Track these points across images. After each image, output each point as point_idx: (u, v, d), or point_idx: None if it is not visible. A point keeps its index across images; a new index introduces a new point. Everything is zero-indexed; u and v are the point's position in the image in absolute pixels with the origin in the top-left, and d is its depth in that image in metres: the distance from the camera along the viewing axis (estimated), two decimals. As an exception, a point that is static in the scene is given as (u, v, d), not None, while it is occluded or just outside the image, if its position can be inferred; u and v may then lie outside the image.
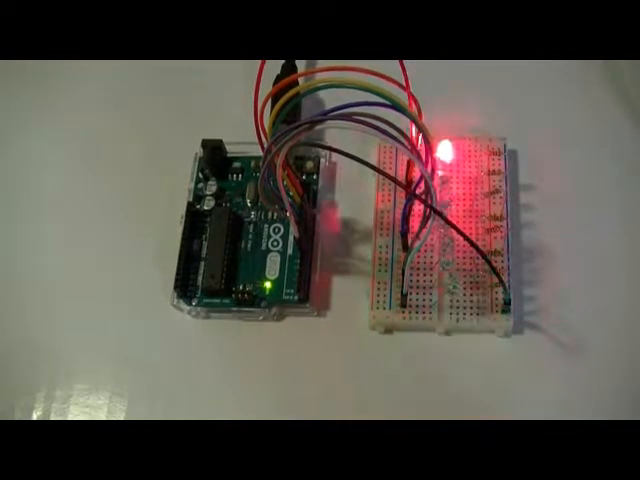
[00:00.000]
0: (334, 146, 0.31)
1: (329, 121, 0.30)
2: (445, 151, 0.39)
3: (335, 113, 0.30)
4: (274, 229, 0.39)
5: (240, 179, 0.40)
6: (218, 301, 0.38)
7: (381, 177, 0.39)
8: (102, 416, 0.37)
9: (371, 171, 0.32)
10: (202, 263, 0.38)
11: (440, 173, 0.38)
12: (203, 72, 0.44)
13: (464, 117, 0.40)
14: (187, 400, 0.37)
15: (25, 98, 0.45)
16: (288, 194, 0.35)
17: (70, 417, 0.37)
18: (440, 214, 0.31)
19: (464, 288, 0.36)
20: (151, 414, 0.37)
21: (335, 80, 0.30)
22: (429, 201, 0.31)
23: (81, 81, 0.45)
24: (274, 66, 0.40)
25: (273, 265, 0.38)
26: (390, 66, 0.32)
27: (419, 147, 0.32)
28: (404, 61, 0.32)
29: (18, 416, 0.37)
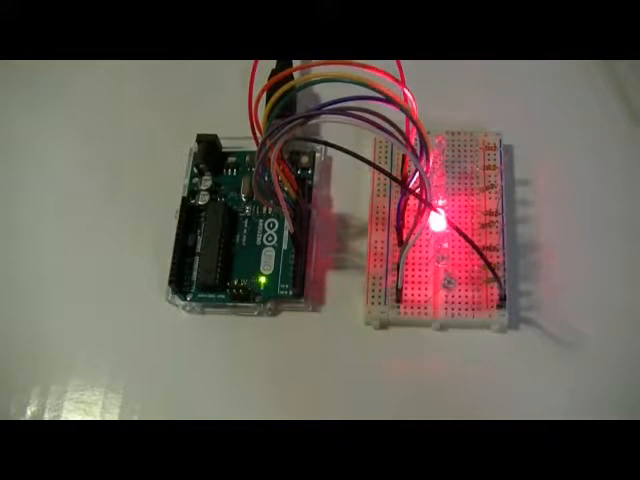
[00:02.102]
0: (329, 141, 0.31)
1: (324, 115, 0.30)
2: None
3: (330, 107, 0.30)
4: (269, 224, 0.39)
5: (235, 174, 0.40)
6: (213, 296, 0.37)
7: (376, 172, 0.39)
8: (97, 412, 0.37)
9: (366, 166, 0.32)
10: (197, 258, 0.38)
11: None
12: (198, 67, 0.43)
13: (459, 112, 0.40)
14: (182, 395, 0.37)
15: (22, 97, 0.45)
16: (283, 189, 0.35)
17: (64, 413, 0.37)
18: (435, 209, 0.31)
19: (459, 283, 0.36)
20: (146, 410, 0.37)
21: (330, 74, 0.30)
22: (424, 196, 0.31)
23: (77, 79, 0.45)
24: (269, 61, 0.40)
25: (268, 260, 0.38)
26: (386, 63, 0.32)
27: (414, 142, 0.32)
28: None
29: (13, 411, 0.37)
